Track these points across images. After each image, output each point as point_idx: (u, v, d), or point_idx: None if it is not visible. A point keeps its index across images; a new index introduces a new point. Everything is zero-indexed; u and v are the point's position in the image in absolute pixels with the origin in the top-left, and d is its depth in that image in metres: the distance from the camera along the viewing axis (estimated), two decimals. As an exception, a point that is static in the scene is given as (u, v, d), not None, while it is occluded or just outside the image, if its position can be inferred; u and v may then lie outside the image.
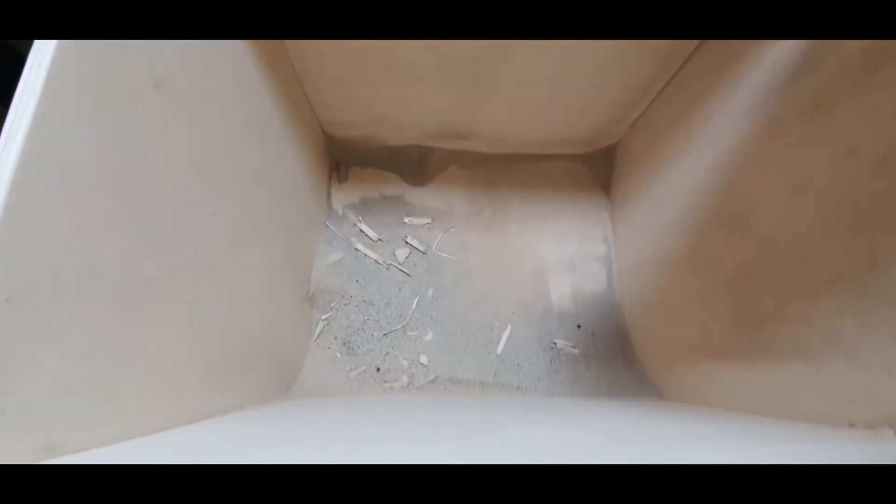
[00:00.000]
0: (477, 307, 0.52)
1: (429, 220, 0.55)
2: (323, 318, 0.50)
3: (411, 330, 0.50)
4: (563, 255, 0.55)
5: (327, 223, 0.54)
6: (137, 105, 0.20)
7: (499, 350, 0.49)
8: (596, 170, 0.58)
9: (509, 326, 0.51)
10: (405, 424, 0.25)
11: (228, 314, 0.32)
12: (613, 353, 0.50)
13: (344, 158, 0.58)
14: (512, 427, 0.22)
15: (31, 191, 0.15)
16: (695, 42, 0.38)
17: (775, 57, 0.29)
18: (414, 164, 0.58)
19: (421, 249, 0.53)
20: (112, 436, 0.19)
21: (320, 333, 0.49)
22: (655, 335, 0.46)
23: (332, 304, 0.51)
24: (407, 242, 0.54)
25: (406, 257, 0.53)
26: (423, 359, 0.49)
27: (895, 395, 0.21)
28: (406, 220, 0.55)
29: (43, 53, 0.16)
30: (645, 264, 0.48)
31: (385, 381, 0.48)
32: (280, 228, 0.41)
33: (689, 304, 0.39)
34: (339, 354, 0.49)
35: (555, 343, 0.50)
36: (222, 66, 0.27)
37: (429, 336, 0.50)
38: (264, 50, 0.33)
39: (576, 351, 0.50)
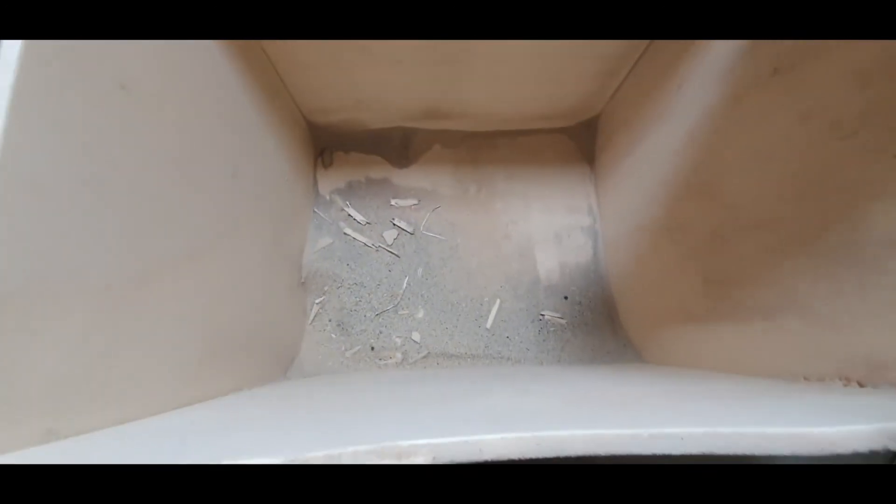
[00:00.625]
0: (466, 284, 0.53)
1: (415, 201, 0.56)
2: (317, 301, 0.52)
3: (403, 309, 0.52)
4: (549, 228, 0.55)
5: (315, 209, 0.55)
6: (106, 106, 0.21)
7: (488, 324, 0.51)
8: (579, 142, 0.58)
9: (498, 301, 0.52)
10: (383, 399, 0.26)
11: (220, 302, 0.33)
12: (599, 322, 0.51)
13: (328, 144, 0.58)
14: (484, 395, 0.24)
15: (8, 197, 0.16)
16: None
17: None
18: (398, 146, 0.58)
19: (409, 230, 0.55)
20: (111, 420, 0.20)
21: (315, 316, 0.51)
22: (638, 302, 0.48)
23: (325, 288, 0.52)
24: (395, 224, 0.55)
25: (394, 239, 0.54)
26: (416, 336, 0.50)
27: (843, 350, 0.23)
28: (393, 202, 0.56)
29: (9, 57, 0.17)
30: (628, 234, 0.49)
31: (380, 359, 0.50)
32: (267, 217, 0.43)
33: (667, 272, 0.40)
34: (333, 336, 0.51)
35: (542, 315, 0.51)
36: (190, 63, 0.28)
37: (420, 314, 0.52)
38: (234, 42, 0.34)
39: (563, 321, 0.51)
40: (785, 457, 0.13)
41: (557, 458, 0.14)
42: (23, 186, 0.17)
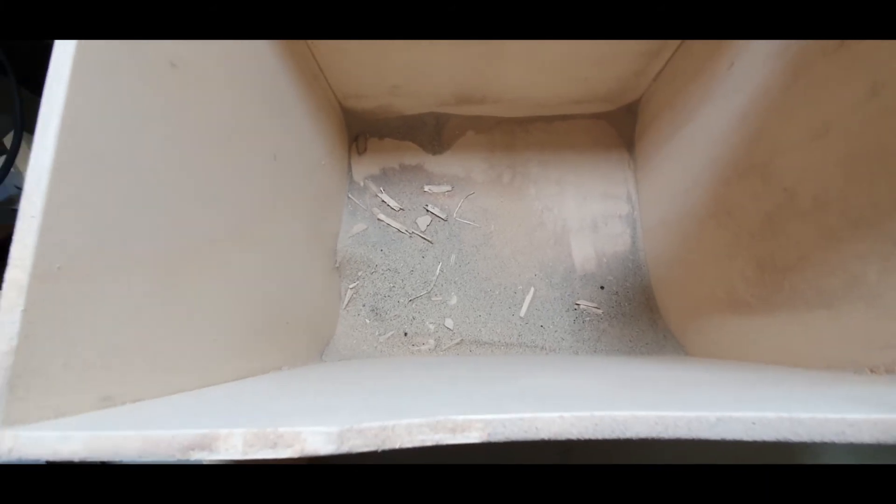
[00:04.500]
0: (499, 271, 0.53)
1: (449, 188, 0.56)
2: (351, 286, 0.52)
3: (436, 295, 0.52)
4: (585, 215, 0.54)
5: (349, 195, 0.56)
6: (158, 83, 0.22)
7: (522, 312, 0.50)
8: (618, 127, 0.56)
9: (532, 289, 0.51)
10: (425, 379, 0.26)
11: (263, 281, 0.34)
12: (638, 312, 0.50)
13: (362, 130, 0.58)
14: (525, 377, 0.23)
15: (69, 172, 0.17)
16: (718, -18, 0.36)
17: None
18: (431, 132, 0.58)
19: (442, 217, 0.54)
20: (163, 389, 0.21)
21: (349, 301, 0.52)
22: (680, 292, 0.46)
23: (359, 273, 0.53)
24: (428, 210, 0.54)
25: (428, 225, 0.54)
26: (449, 322, 0.50)
27: (917, 339, 0.21)
28: (426, 188, 0.56)
29: (66, 45, 0.17)
30: (669, 221, 0.47)
31: (413, 345, 0.50)
32: (304, 201, 0.43)
33: (713, 259, 0.38)
34: (367, 320, 0.51)
35: (578, 304, 0.50)
36: (235, 45, 0.28)
37: (453, 301, 0.51)
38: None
39: (599, 311, 0.50)
40: (869, 445, 0.12)
41: (616, 439, 0.13)
42: (83, 159, 0.17)
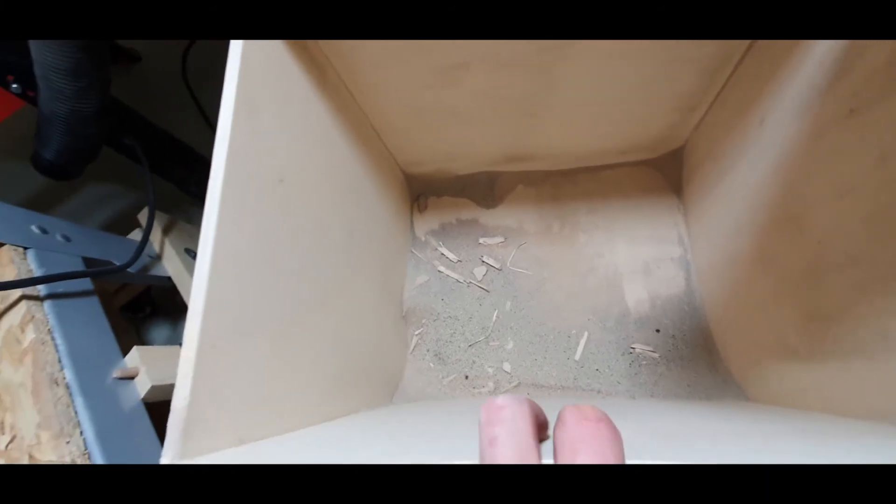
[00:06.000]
0: (553, 316, 0.55)
1: (502, 239, 0.60)
2: (416, 333, 0.58)
3: (493, 340, 0.55)
4: (636, 259, 0.56)
5: (413, 249, 0.62)
6: (270, 197, 0.29)
7: (577, 356, 0.53)
8: (665, 172, 0.58)
9: (586, 333, 0.54)
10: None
11: (345, 335, 0.40)
12: (696, 356, 0.50)
13: (422, 190, 0.65)
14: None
15: (219, 274, 0.24)
16: (745, 43, 0.38)
17: (816, 56, 0.30)
18: (484, 189, 0.63)
19: (497, 266, 0.59)
20: (277, 430, 0.27)
21: (415, 346, 0.57)
22: (738, 336, 0.46)
23: (423, 321, 0.58)
24: (483, 261, 0.59)
25: (484, 275, 0.59)
26: (507, 366, 0.54)
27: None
28: (481, 240, 0.61)
29: (217, 175, 0.25)
30: (721, 264, 0.48)
31: (474, 388, 0.54)
32: (376, 262, 0.50)
33: (762, 306, 0.39)
34: (431, 364, 0.56)
35: (633, 348, 0.52)
36: (329, 157, 0.36)
37: (510, 345, 0.55)
38: (349, 112, 0.42)
39: (655, 355, 0.51)
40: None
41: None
42: (227, 262, 0.24)
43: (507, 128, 0.51)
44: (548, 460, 0.17)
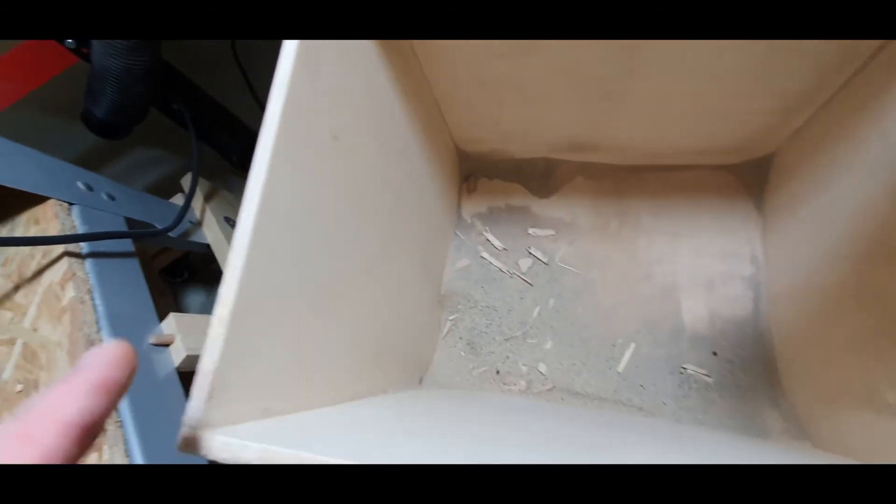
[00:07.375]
0: (599, 321, 0.52)
1: (553, 232, 0.56)
2: (450, 318, 0.55)
3: (531, 338, 0.52)
4: (699, 272, 0.51)
5: (457, 231, 0.59)
6: (324, 151, 0.27)
7: (620, 367, 0.49)
8: (745, 181, 0.52)
9: (633, 344, 0.50)
10: (524, 430, 0.27)
11: (381, 311, 0.38)
12: (756, 387, 0.45)
13: (474, 170, 0.62)
14: (630, 450, 0.24)
15: (263, 231, 0.22)
16: (875, 44, 0.33)
17: None
18: (540, 176, 0.59)
19: (544, 260, 0.55)
20: (305, 405, 0.25)
21: (448, 332, 0.55)
22: (812, 374, 0.41)
23: (459, 307, 0.56)
24: (530, 253, 0.56)
25: (529, 267, 0.55)
26: (542, 367, 0.51)
27: None
28: (530, 230, 0.57)
29: (270, 128, 0.22)
30: (803, 291, 0.43)
31: (504, 384, 0.51)
32: (419, 238, 0.47)
33: (853, 347, 0.34)
34: (463, 353, 0.53)
35: (684, 368, 0.47)
36: (382, 115, 0.33)
37: (548, 345, 0.52)
38: (412, 76, 0.39)
39: (709, 379, 0.46)
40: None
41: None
42: (272, 220, 0.22)
43: (576, 111, 0.47)
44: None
